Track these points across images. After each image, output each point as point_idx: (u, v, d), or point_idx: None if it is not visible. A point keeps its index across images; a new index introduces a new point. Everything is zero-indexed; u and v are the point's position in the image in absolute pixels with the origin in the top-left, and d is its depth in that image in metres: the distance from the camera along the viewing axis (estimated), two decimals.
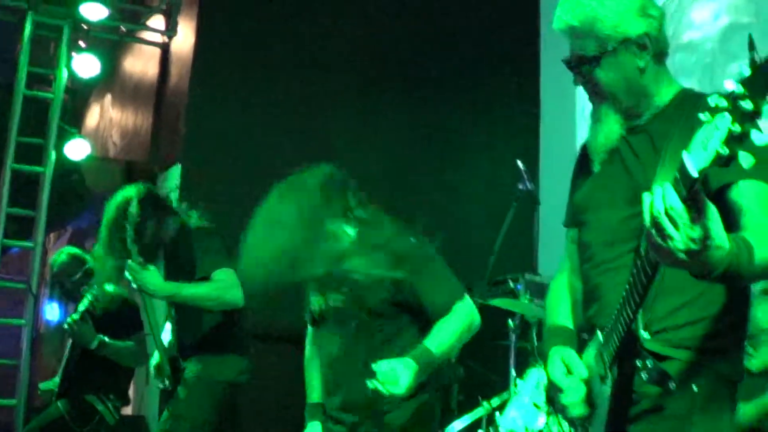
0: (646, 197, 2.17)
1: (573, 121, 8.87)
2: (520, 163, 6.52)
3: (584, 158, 3.15)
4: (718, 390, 2.72)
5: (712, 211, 2.15)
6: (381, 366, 3.80)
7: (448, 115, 9.37)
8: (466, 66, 9.50)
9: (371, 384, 3.78)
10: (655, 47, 2.86)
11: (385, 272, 4.11)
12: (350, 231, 4.17)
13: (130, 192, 5.37)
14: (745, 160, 1.91)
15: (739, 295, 2.76)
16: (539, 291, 6.38)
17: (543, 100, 9.63)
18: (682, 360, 2.67)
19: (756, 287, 4.78)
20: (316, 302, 4.35)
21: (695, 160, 1.99)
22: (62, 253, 7.19)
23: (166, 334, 5.59)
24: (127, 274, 5.15)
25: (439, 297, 4.13)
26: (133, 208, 5.25)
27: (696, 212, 2.10)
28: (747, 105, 1.85)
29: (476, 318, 4.19)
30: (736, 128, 1.86)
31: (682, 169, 2.04)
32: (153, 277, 5.16)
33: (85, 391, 6.78)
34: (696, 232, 2.11)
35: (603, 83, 2.84)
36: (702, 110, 1.97)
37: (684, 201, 2.08)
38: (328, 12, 9.06)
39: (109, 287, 6.77)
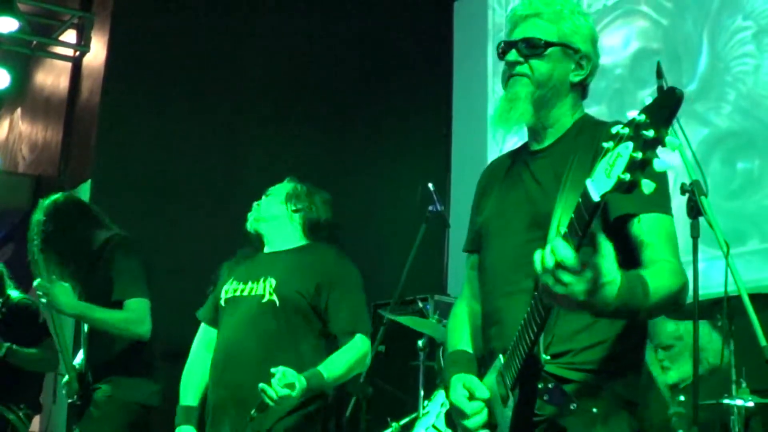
0: (537, 253, 2.22)
1: (484, 143, 8.97)
2: (431, 186, 6.58)
3: (488, 179, 3.21)
4: (618, 411, 2.75)
5: (606, 248, 2.19)
6: (278, 370, 3.98)
7: (360, 136, 9.43)
8: (378, 87, 9.57)
9: (262, 385, 3.96)
10: (586, 75, 2.97)
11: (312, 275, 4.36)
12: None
13: (48, 201, 5.31)
14: (647, 187, 1.94)
15: None
16: (448, 312, 6.43)
17: (454, 122, 9.73)
18: (582, 382, 2.70)
19: None
20: (223, 291, 4.50)
21: (597, 186, 2.01)
22: None
23: (79, 353, 5.51)
24: (37, 290, 5.08)
25: (346, 315, 4.33)
26: (39, 218, 5.20)
27: (591, 247, 2.15)
28: (649, 133, 1.87)
29: (369, 357, 4.42)
30: (638, 155, 1.88)
31: (584, 195, 2.06)
32: (63, 293, 5.06)
33: None
34: (587, 276, 2.16)
35: (538, 70, 2.89)
36: (604, 138, 2.01)
37: (580, 234, 2.12)
38: (241, 30, 9.07)
39: (14, 293, 6.70)
